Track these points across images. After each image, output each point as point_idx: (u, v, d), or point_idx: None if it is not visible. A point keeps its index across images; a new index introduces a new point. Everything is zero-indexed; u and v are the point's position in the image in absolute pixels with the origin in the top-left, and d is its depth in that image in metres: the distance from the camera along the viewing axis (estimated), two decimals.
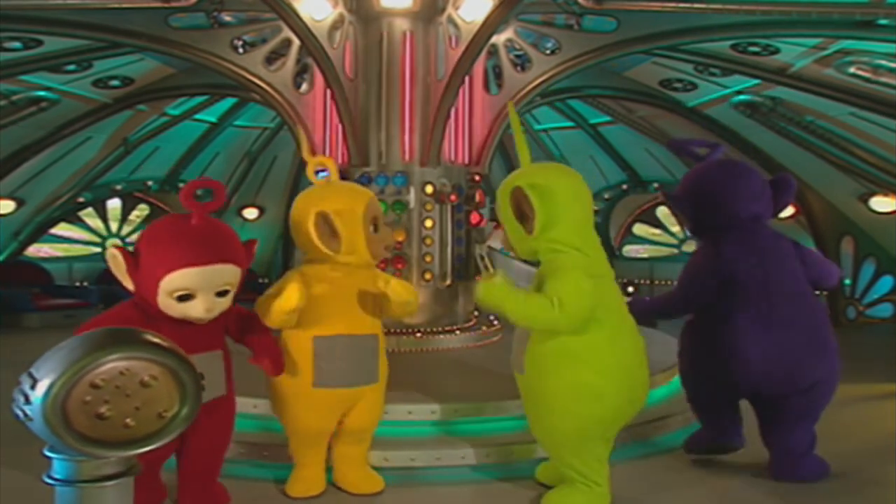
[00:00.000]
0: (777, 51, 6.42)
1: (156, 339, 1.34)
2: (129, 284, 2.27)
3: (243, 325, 2.68)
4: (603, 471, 2.79)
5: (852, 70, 6.31)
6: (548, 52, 6.62)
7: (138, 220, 11.08)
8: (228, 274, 2.33)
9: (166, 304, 2.26)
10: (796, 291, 3.08)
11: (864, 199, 8.23)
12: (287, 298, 2.62)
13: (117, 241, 10.82)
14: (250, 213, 11.30)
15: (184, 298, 2.24)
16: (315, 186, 3.00)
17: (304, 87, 6.66)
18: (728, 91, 7.76)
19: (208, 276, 2.25)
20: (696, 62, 7.08)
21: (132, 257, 2.24)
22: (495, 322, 5.99)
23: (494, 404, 3.62)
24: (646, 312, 3.44)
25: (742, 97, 7.80)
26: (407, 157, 5.81)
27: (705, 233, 3.30)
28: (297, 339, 2.81)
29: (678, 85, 7.92)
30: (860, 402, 4.68)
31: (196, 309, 2.27)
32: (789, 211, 9.38)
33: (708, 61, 6.98)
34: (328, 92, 6.15)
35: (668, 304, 3.38)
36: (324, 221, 2.80)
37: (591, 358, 2.62)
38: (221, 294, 2.34)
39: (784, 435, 3.10)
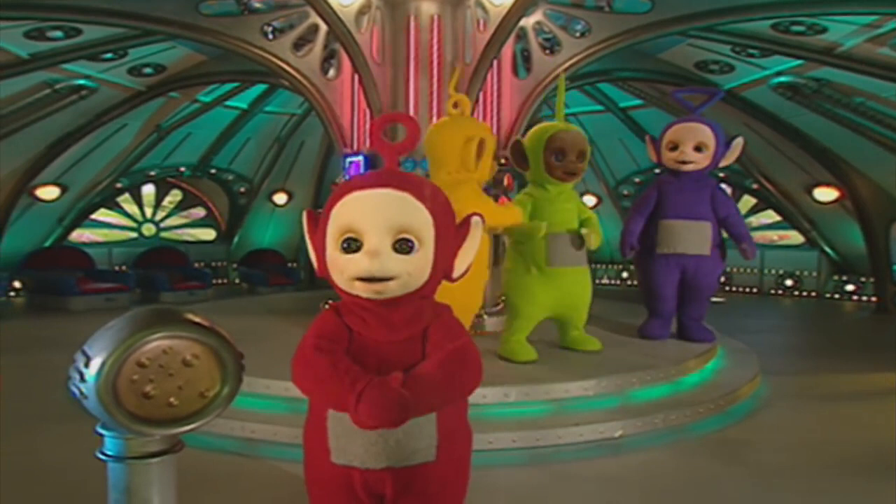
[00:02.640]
0: (824, 30, 6.12)
1: (197, 318, 1.38)
2: (311, 251, 1.77)
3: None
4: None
5: None
6: (577, 34, 6.46)
7: (171, 206, 11.37)
8: (408, 210, 1.61)
9: (334, 260, 1.66)
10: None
11: None
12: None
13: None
14: (280, 198, 11.49)
15: (350, 247, 1.62)
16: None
17: (332, 72, 6.68)
18: (767, 72, 7.47)
19: (376, 203, 1.62)
20: (735, 43, 6.82)
21: (316, 216, 1.76)
22: None
23: (521, 388, 3.63)
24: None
25: (783, 79, 7.49)
26: None
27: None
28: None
29: (714, 67, 7.66)
30: None
31: (361, 261, 1.60)
32: (833, 195, 9.00)
33: (747, 42, 6.71)
34: (355, 77, 6.16)
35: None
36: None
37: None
38: (401, 247, 1.60)
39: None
